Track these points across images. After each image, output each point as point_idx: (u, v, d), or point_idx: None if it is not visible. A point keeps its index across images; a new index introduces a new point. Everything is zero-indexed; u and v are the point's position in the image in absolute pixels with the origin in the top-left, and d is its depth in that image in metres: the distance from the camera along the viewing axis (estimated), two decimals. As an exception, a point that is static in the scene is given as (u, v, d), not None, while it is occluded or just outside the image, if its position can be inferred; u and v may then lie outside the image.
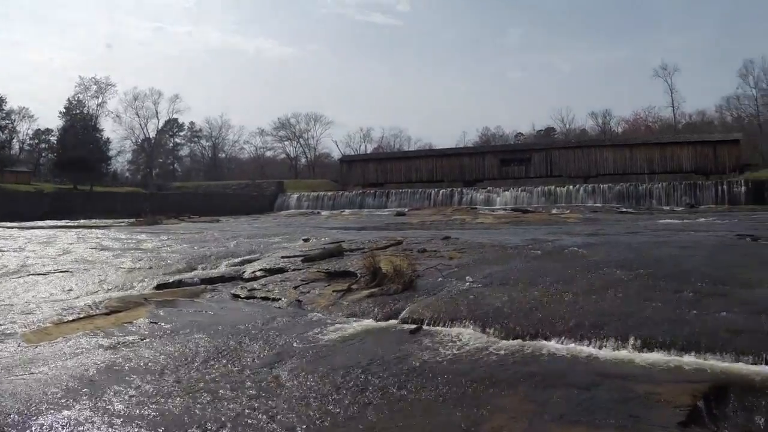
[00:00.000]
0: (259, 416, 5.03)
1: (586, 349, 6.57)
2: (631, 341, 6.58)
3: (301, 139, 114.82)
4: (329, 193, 70.45)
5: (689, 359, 6.06)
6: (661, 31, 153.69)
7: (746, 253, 12.37)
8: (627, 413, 4.86)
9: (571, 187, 58.87)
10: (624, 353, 6.40)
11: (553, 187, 60.38)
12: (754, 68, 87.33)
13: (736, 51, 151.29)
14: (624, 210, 46.56)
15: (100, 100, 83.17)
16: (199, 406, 5.29)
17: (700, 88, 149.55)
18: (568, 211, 43.92)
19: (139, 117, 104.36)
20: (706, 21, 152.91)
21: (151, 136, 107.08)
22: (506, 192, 60.21)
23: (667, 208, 50.18)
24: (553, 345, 6.79)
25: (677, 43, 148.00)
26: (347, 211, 60.01)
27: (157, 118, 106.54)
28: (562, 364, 6.13)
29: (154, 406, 5.30)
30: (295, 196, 71.49)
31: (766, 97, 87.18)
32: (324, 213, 59.84)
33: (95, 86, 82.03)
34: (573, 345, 6.75)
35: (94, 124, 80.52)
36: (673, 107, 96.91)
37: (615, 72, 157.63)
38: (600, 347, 6.63)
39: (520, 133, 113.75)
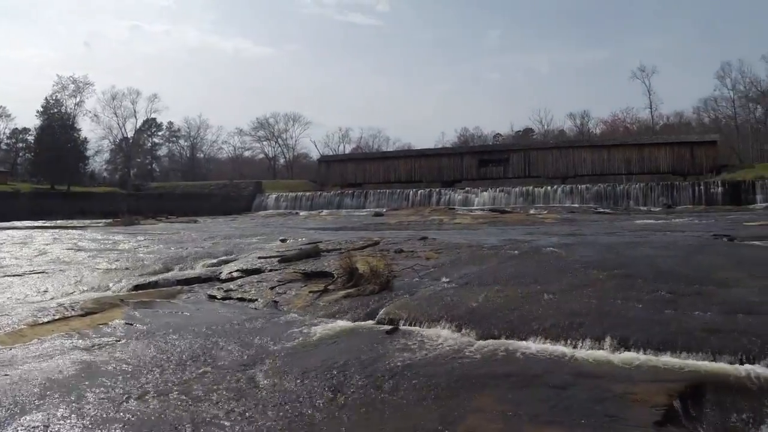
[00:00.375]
0: (234, 418, 5.00)
1: (562, 349, 6.55)
2: (608, 341, 6.57)
3: (279, 140, 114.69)
4: (307, 194, 70.26)
5: (666, 359, 6.06)
6: (640, 33, 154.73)
7: (722, 253, 12.44)
8: (603, 413, 4.85)
9: (549, 187, 58.97)
10: (600, 353, 6.39)
11: (531, 187, 60.36)
12: (732, 70, 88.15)
13: (714, 53, 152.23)
14: (601, 210, 46.77)
15: (77, 99, 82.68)
16: (173, 408, 5.25)
17: (678, 89, 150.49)
18: (545, 212, 44.08)
19: (117, 116, 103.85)
20: (685, 23, 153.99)
21: (129, 136, 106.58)
22: (484, 192, 60.23)
23: (645, 208, 50.43)
24: (529, 345, 6.77)
25: (656, 45, 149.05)
26: (325, 212, 59.91)
27: (135, 117, 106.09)
28: (539, 364, 6.11)
29: (128, 408, 5.24)
30: (274, 196, 71.24)
31: (743, 98, 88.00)
32: (302, 213, 59.74)
33: (73, 85, 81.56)
34: (549, 345, 6.73)
35: (72, 124, 79.90)
36: (650, 109, 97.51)
37: (593, 73, 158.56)
38: (576, 347, 6.61)
39: (498, 133, 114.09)
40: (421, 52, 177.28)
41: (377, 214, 48.86)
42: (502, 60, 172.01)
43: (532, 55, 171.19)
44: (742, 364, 5.81)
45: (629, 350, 6.37)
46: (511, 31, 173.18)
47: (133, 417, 5.02)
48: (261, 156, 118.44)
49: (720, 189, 51.54)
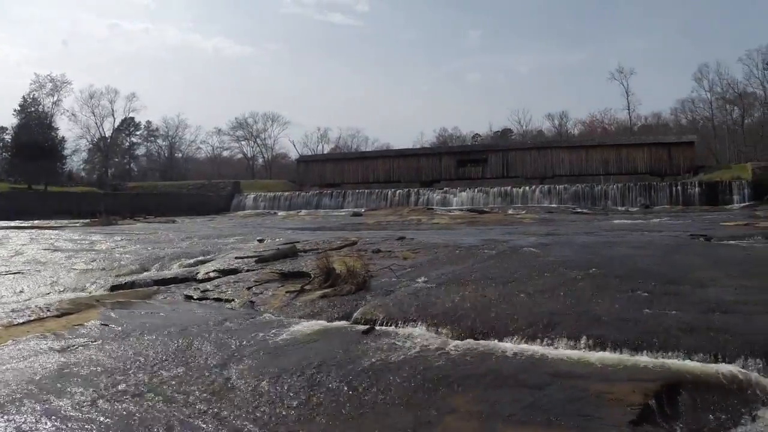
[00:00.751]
0: (209, 419, 4.96)
1: (538, 349, 6.55)
2: (584, 340, 6.58)
3: (258, 139, 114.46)
4: (286, 194, 70.06)
5: (642, 358, 6.08)
6: (620, 35, 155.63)
7: (699, 252, 12.52)
8: (578, 413, 4.85)
9: (527, 188, 59.11)
10: (577, 352, 6.39)
11: (509, 187, 60.49)
12: (709, 72, 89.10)
13: (692, 55, 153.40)
14: (579, 211, 46.98)
15: (55, 98, 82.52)
16: (148, 409, 5.20)
17: (657, 91, 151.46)
18: (524, 212, 44.21)
19: (94, 116, 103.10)
20: (664, 26, 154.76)
21: (107, 135, 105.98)
22: (463, 192, 60.31)
23: (623, 208, 50.70)
24: (505, 345, 6.75)
25: (635, 46, 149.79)
26: (304, 212, 59.85)
27: (113, 116, 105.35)
28: (515, 364, 6.10)
29: (102, 409, 5.19)
30: (252, 196, 71.04)
31: (721, 100, 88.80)
32: (280, 213, 59.62)
33: (51, 84, 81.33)
34: (526, 344, 6.73)
35: (50, 123, 79.59)
36: (628, 110, 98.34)
37: (573, 74, 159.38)
38: (553, 347, 6.62)
39: (477, 134, 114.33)
40: (402, 53, 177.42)
41: (356, 214, 48.88)
42: (482, 60, 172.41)
43: (513, 56, 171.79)
44: (717, 363, 5.83)
45: (605, 350, 6.38)
46: (492, 32, 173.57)
47: (106, 419, 4.97)
48: (240, 156, 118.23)
49: (697, 189, 51.93)
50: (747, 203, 47.01)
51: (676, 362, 5.92)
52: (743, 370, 5.64)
